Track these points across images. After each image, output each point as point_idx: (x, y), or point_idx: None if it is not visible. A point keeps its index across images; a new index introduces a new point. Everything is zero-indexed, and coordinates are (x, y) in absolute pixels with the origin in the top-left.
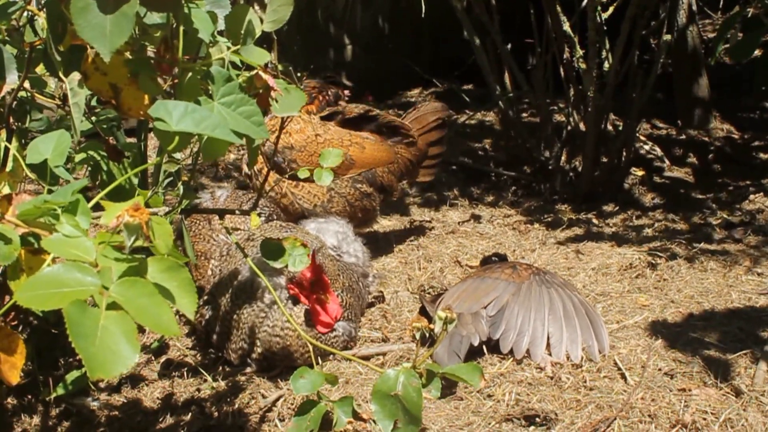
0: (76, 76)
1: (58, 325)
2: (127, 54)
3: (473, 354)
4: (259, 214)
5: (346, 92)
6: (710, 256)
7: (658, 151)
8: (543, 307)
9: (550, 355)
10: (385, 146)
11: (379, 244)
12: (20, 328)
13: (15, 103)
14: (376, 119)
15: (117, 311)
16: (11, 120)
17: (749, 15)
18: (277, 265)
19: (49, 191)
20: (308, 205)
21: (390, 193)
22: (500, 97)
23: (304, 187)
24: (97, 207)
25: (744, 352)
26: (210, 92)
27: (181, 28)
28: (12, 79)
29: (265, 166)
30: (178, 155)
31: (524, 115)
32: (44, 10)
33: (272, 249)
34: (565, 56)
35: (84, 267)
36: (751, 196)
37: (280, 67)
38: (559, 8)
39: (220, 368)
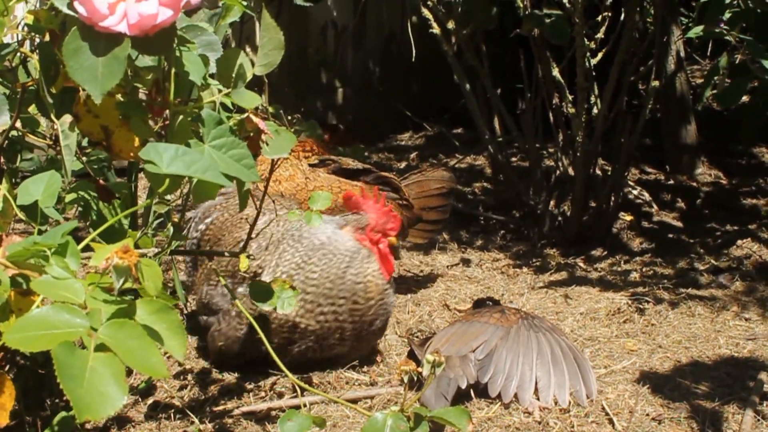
0: (67, 118)
1: (46, 365)
2: (119, 96)
3: (461, 398)
4: (248, 256)
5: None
6: (698, 301)
7: (647, 196)
8: (531, 352)
9: (538, 399)
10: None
11: None
12: (6, 367)
13: (6, 143)
14: (372, 173)
15: (105, 353)
16: (2, 160)
17: (737, 61)
18: (266, 307)
19: (39, 232)
20: None
21: None
22: (490, 141)
23: None
24: (87, 247)
25: (732, 398)
26: (201, 135)
27: (173, 71)
28: (4, 119)
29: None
30: (168, 196)
31: (513, 159)
32: (37, 52)
33: (261, 290)
34: (554, 101)
35: (73, 309)
36: (739, 242)
37: (270, 110)
38: (548, 54)
39: (207, 410)
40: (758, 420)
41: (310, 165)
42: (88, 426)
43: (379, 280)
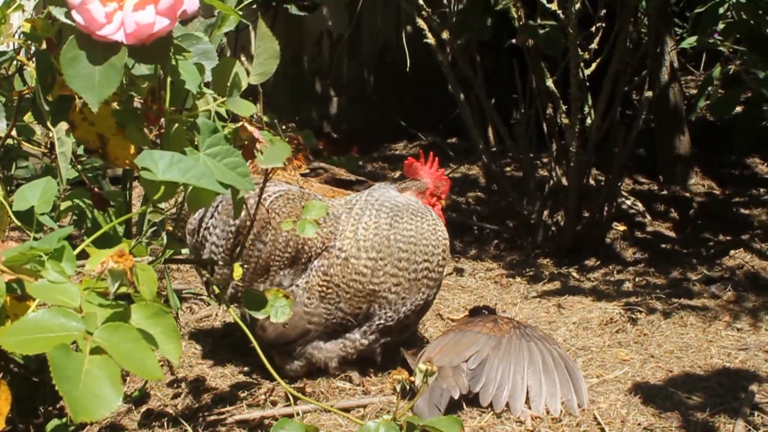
0: (63, 125)
1: (39, 372)
2: (115, 104)
3: (453, 407)
4: (242, 266)
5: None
6: (690, 311)
7: (640, 207)
8: (523, 361)
9: (529, 408)
10: None
11: None
12: (0, 374)
13: (1, 150)
14: (364, 183)
15: (101, 355)
16: None
17: (730, 72)
18: (260, 315)
19: (35, 239)
20: None
21: None
22: (484, 151)
23: None
24: (82, 255)
25: (723, 408)
26: (196, 143)
27: (169, 80)
28: (0, 127)
29: (248, 219)
30: (162, 205)
31: (507, 169)
32: (33, 60)
33: (254, 299)
34: (548, 112)
35: (68, 312)
36: (732, 252)
37: (265, 119)
38: (542, 64)
39: (201, 418)
40: (749, 430)
41: (301, 174)
42: None
43: None
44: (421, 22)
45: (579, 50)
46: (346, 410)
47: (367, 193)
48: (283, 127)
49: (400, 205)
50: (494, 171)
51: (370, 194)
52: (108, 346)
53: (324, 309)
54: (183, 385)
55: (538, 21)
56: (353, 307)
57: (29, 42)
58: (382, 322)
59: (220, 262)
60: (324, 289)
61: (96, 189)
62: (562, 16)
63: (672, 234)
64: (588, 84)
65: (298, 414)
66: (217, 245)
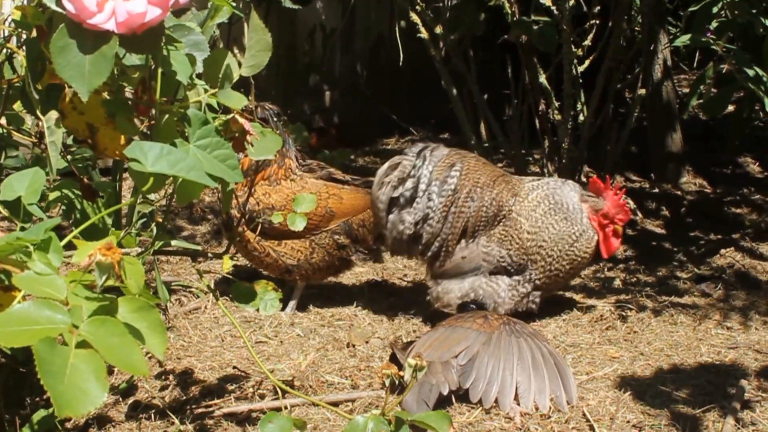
0: (53, 114)
1: (26, 363)
2: (105, 94)
3: (442, 403)
4: (231, 257)
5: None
6: (680, 309)
7: (631, 204)
8: (512, 357)
9: (518, 404)
10: (361, 194)
11: (350, 291)
12: None
13: None
14: (360, 179)
15: (86, 350)
16: None
17: (723, 71)
18: (249, 308)
19: (22, 229)
20: (292, 261)
21: (364, 243)
22: (476, 146)
23: (287, 244)
24: (70, 245)
25: (712, 406)
26: (186, 134)
27: (160, 70)
28: None
29: (237, 214)
30: (152, 196)
31: (499, 165)
32: (23, 48)
33: (243, 292)
34: (540, 108)
35: (55, 305)
36: (722, 251)
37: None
38: (535, 60)
39: (188, 411)
40: (738, 428)
41: (297, 172)
42: (68, 425)
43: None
44: (414, 17)
45: (572, 47)
46: (335, 404)
47: (556, 183)
48: (275, 119)
49: (567, 210)
50: None
51: (555, 185)
52: (94, 340)
53: (497, 251)
54: (171, 377)
55: (532, 17)
56: (519, 257)
57: (19, 30)
58: (533, 277)
59: (210, 255)
60: (502, 237)
61: (85, 179)
62: (555, 12)
63: (663, 232)
64: (581, 81)
65: (286, 408)
66: (435, 201)
